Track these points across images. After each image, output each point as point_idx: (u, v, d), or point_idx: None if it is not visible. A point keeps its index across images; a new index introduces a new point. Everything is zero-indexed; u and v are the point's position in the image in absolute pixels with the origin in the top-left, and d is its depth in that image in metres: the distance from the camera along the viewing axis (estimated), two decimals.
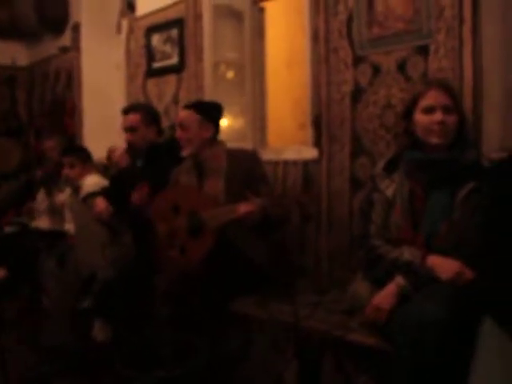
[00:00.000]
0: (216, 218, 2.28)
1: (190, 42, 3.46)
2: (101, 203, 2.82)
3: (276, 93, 3.91)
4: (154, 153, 2.88)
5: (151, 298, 2.41)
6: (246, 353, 2.35)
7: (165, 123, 3.54)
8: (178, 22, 3.54)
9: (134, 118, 2.90)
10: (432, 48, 2.28)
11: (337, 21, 2.60)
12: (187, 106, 2.61)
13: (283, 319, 2.13)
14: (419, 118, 1.93)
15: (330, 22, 2.63)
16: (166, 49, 3.65)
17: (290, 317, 2.02)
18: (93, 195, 2.97)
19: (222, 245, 2.30)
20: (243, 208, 2.20)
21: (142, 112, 2.94)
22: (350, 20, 2.54)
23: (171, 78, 3.62)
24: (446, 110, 1.88)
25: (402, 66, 2.37)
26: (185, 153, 2.54)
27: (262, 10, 3.44)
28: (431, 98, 1.90)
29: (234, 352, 2.37)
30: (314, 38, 2.70)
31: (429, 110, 1.90)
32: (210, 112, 2.58)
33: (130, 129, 2.90)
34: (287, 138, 3.84)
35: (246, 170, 2.44)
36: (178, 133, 2.55)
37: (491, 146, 2.15)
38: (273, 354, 2.25)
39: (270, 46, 3.57)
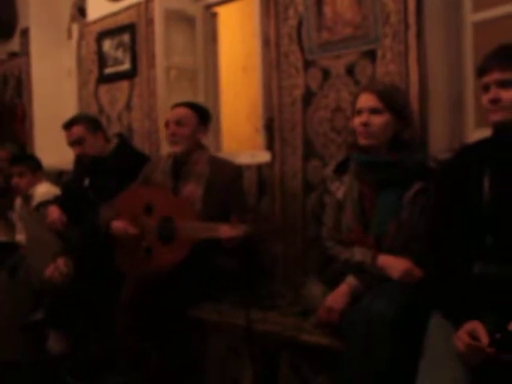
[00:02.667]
0: (193, 231, 2.23)
1: (141, 48, 3.44)
2: (54, 212, 2.75)
3: (233, 97, 3.92)
4: (100, 168, 2.82)
5: (110, 307, 2.38)
6: (203, 358, 2.34)
7: (117, 129, 3.51)
8: (130, 28, 3.51)
9: (78, 130, 2.84)
10: (379, 52, 2.33)
11: (287, 26, 2.63)
12: (185, 104, 2.57)
13: (237, 323, 2.13)
14: (353, 120, 1.99)
15: (280, 27, 2.66)
16: (117, 54, 3.61)
17: (243, 321, 2.02)
18: (45, 204, 2.90)
19: (192, 253, 2.27)
20: (227, 232, 2.09)
21: (84, 122, 2.89)
22: (300, 25, 2.58)
23: (124, 84, 3.58)
24: (373, 112, 1.93)
25: (350, 70, 2.42)
26: (175, 149, 2.48)
27: (214, 15, 3.44)
28: (361, 101, 1.96)
29: (191, 357, 2.36)
30: (265, 42, 2.73)
31: (358, 113, 1.96)
32: (205, 115, 2.57)
33: (77, 142, 2.84)
34: (244, 142, 3.86)
35: (228, 182, 2.41)
36: (173, 128, 2.47)
37: (438, 148, 2.21)
38: (230, 358, 2.25)
39: (225, 51, 3.58)
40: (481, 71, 1.63)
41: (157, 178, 2.54)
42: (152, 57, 3.35)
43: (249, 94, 4.00)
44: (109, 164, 2.81)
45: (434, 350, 1.55)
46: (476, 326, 1.46)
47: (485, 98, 1.62)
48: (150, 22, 3.36)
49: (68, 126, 2.88)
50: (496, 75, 1.57)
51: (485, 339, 1.41)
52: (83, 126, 2.86)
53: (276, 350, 2.10)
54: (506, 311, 1.47)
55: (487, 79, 1.60)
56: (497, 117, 1.59)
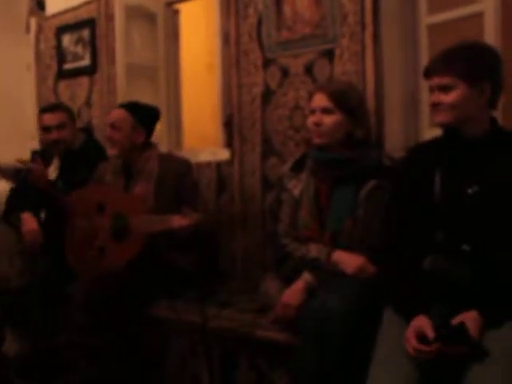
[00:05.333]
0: (146, 225, 2.23)
1: (102, 44, 3.39)
2: (30, 223, 2.64)
3: (197, 95, 3.91)
4: (69, 160, 2.79)
5: (66, 306, 2.35)
6: (161, 356, 2.33)
7: (78, 126, 3.46)
8: (90, 23, 3.46)
9: (61, 115, 2.82)
10: (337, 52, 2.36)
11: (247, 24, 2.64)
12: (122, 106, 2.54)
13: (193, 320, 2.14)
14: (308, 119, 2.02)
15: (240, 25, 2.66)
16: (77, 50, 3.55)
17: (199, 318, 2.02)
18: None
19: (147, 249, 2.26)
20: (178, 221, 2.14)
21: (66, 110, 2.90)
22: (259, 23, 2.59)
23: (83, 80, 3.53)
24: (325, 111, 1.96)
25: (309, 69, 2.44)
26: (111, 152, 2.48)
27: (176, 12, 3.43)
28: (314, 101, 2.00)
29: (149, 355, 2.34)
30: (225, 40, 2.74)
31: (311, 112, 2.00)
32: (145, 116, 2.53)
33: (59, 126, 2.80)
34: (208, 139, 3.84)
35: (177, 177, 2.41)
36: (109, 132, 2.47)
37: (393, 146, 2.26)
38: (189, 355, 2.25)
39: (188, 48, 3.56)
40: (425, 75, 1.69)
41: (108, 179, 2.54)
42: (112, 53, 3.31)
43: (212, 92, 3.99)
44: (77, 158, 2.78)
45: (385, 345, 1.58)
46: (423, 323, 1.49)
47: (429, 100, 1.68)
48: (110, 17, 3.32)
49: (53, 108, 2.87)
50: (437, 79, 1.63)
51: (431, 334, 1.45)
52: (66, 112, 2.87)
53: (233, 346, 2.11)
54: (453, 305, 1.52)
55: (430, 83, 1.66)
56: (438, 118, 1.65)
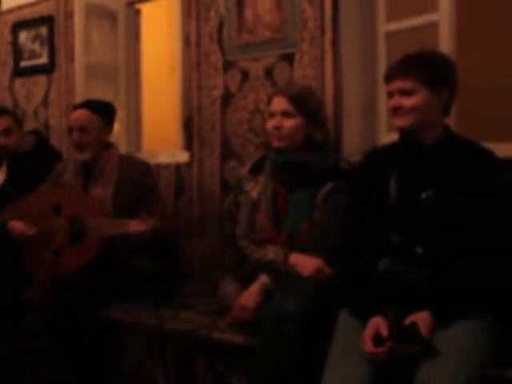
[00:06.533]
0: (103, 228, 2.20)
1: (60, 42, 3.33)
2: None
3: (158, 96, 3.87)
4: (19, 164, 2.72)
5: (21, 310, 2.29)
6: (118, 359, 2.30)
7: (33, 126, 3.37)
8: (48, 20, 3.39)
9: (7, 120, 2.75)
10: (297, 56, 2.38)
11: (208, 26, 2.63)
12: (83, 106, 2.45)
13: (149, 323, 2.12)
14: (267, 122, 2.03)
15: (201, 27, 2.66)
16: (34, 47, 3.48)
17: (155, 320, 2.01)
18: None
19: (104, 252, 2.24)
20: (135, 226, 2.11)
21: (12, 114, 2.83)
22: (220, 26, 2.59)
23: (41, 79, 3.45)
24: (285, 115, 1.97)
25: (269, 73, 2.46)
26: (83, 157, 2.39)
27: (137, 12, 3.40)
28: (274, 104, 2.00)
29: (105, 358, 2.31)
30: (186, 42, 2.73)
31: (271, 115, 2.00)
32: (108, 113, 2.48)
33: (5, 132, 2.73)
34: (169, 141, 3.81)
35: (137, 180, 2.37)
36: (77, 136, 2.38)
37: (351, 150, 2.29)
38: (145, 358, 2.23)
39: (150, 49, 3.53)
40: (386, 79, 1.72)
41: (66, 180, 2.48)
42: (71, 52, 3.25)
43: (174, 93, 3.96)
44: (27, 161, 2.71)
45: (340, 346, 1.60)
46: (379, 322, 1.52)
47: (389, 105, 1.70)
48: (69, 15, 3.26)
49: None
50: (398, 83, 1.66)
51: (385, 334, 1.48)
52: (12, 117, 2.81)
53: (191, 348, 2.10)
54: (407, 306, 1.55)
55: (391, 87, 1.68)
56: (398, 122, 1.68)
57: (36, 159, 2.73)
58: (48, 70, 3.42)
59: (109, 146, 2.48)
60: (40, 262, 2.34)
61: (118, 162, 2.42)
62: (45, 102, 3.43)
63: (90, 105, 2.48)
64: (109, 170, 2.40)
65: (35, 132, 3.02)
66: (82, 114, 2.42)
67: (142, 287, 2.32)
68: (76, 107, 2.50)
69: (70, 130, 2.43)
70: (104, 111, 2.47)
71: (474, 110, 2.40)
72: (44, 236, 2.32)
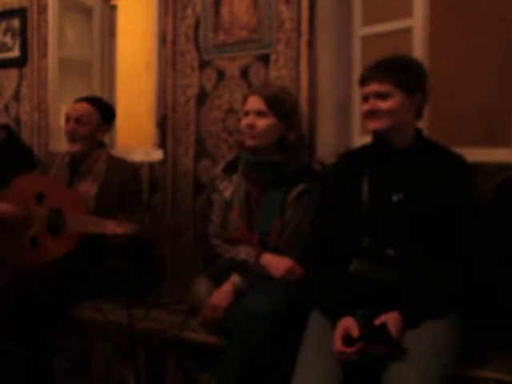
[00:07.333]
0: (81, 224, 2.16)
1: (33, 35, 3.27)
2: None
3: (133, 93, 3.84)
4: None
5: None
6: (86, 358, 2.27)
7: (4, 121, 3.31)
8: (21, 12, 3.31)
9: None
10: (273, 57, 2.39)
11: (184, 24, 2.62)
12: (89, 100, 2.45)
13: (119, 322, 2.10)
14: (242, 121, 2.04)
15: (177, 26, 2.64)
16: (6, 40, 3.40)
17: (125, 319, 1.99)
18: None
19: (79, 249, 2.20)
20: (112, 228, 2.06)
21: None
22: (197, 25, 2.58)
23: (12, 72, 3.38)
24: (259, 114, 1.99)
25: (245, 73, 2.46)
26: (72, 148, 2.38)
27: (113, 8, 3.37)
28: (248, 103, 2.02)
29: (72, 357, 2.28)
30: (162, 40, 2.71)
31: (245, 114, 2.02)
32: (108, 113, 2.47)
33: None
34: (144, 139, 3.79)
35: (122, 181, 2.35)
36: (71, 126, 2.37)
37: (325, 152, 2.30)
38: (115, 358, 2.20)
39: (126, 46, 3.50)
40: (361, 82, 1.73)
41: (53, 173, 2.45)
42: (44, 46, 3.20)
43: (150, 91, 3.93)
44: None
45: (310, 346, 1.61)
46: (349, 323, 1.54)
47: (364, 108, 1.72)
48: (43, 8, 3.21)
49: None
50: (374, 87, 1.67)
51: (356, 334, 1.50)
52: None
53: (161, 348, 2.09)
54: (377, 307, 1.57)
55: (366, 90, 1.70)
56: (373, 125, 1.70)
57: (5, 155, 2.69)
58: (20, 63, 3.35)
59: (101, 145, 2.47)
60: (14, 247, 2.29)
61: (107, 162, 2.41)
62: (16, 96, 3.37)
63: (93, 100, 2.49)
64: (96, 168, 2.38)
65: (5, 127, 2.96)
66: (82, 106, 2.42)
67: (113, 286, 2.29)
68: (80, 99, 2.49)
69: (67, 120, 2.41)
70: (105, 110, 2.47)
71: (445, 114, 2.44)
72: (22, 222, 2.28)
